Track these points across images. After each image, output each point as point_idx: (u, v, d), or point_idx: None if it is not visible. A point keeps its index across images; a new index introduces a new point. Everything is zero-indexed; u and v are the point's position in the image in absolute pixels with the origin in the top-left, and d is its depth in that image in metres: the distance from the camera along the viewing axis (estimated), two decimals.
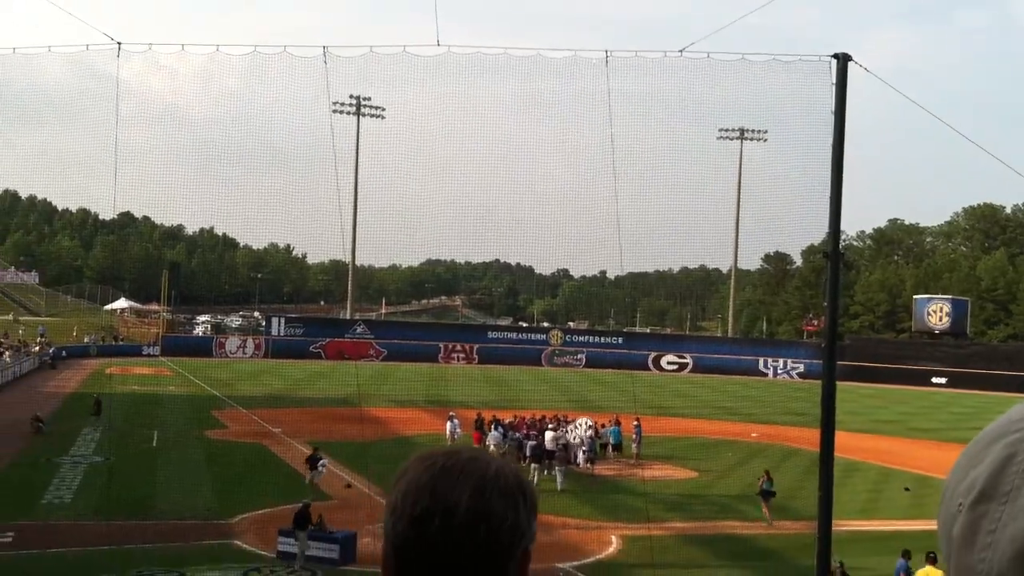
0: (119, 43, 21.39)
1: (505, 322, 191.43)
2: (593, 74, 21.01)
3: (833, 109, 14.60)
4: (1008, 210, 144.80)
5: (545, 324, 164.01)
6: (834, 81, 14.67)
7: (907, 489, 35.07)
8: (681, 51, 17.77)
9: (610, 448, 38.85)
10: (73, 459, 34.50)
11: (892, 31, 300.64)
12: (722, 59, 20.76)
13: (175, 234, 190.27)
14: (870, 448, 42.37)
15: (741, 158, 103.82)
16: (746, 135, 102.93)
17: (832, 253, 14.24)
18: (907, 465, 40.83)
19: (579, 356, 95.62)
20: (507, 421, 38.69)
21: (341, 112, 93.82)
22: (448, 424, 38.68)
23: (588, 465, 36.36)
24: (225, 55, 24.56)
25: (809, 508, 25.84)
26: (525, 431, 36.99)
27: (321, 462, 29.81)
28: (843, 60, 14.52)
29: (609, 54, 19.02)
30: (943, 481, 1.15)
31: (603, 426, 39.52)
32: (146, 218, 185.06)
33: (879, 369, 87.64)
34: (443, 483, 1.49)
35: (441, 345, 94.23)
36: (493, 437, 36.23)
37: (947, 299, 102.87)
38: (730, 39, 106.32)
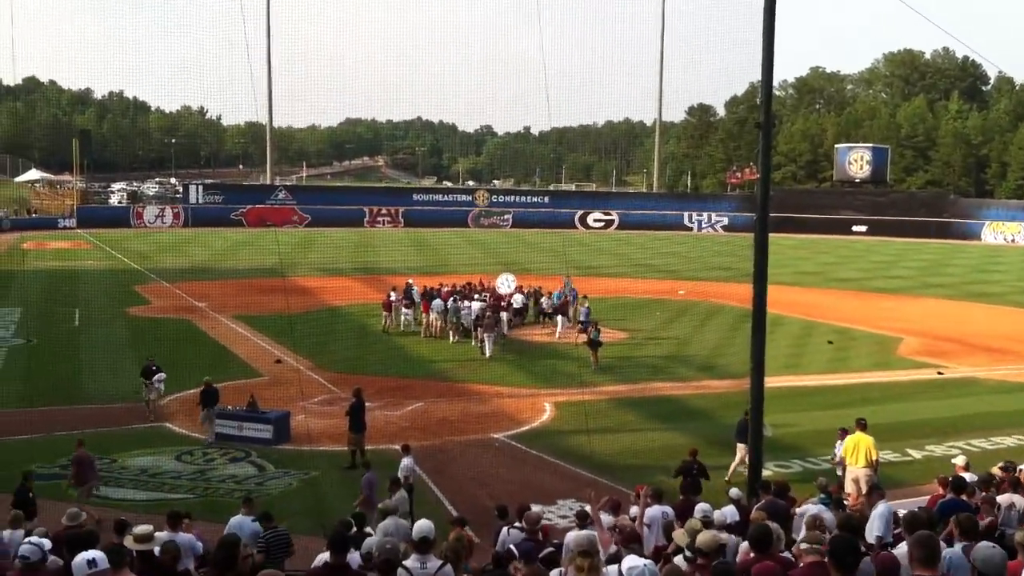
0: None
1: (430, 182, 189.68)
2: None
3: None
4: (928, 56, 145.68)
5: (471, 183, 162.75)
6: None
7: (830, 343, 35.88)
8: None
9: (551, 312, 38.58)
10: None
11: None
12: None
13: (84, 98, 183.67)
14: (794, 301, 43.10)
15: (664, 7, 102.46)
16: None
17: (764, 123, 13.90)
18: (829, 317, 41.71)
19: (506, 217, 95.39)
20: (439, 288, 38.25)
21: None
22: (392, 295, 37.85)
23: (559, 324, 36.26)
24: None
25: (736, 365, 26.29)
26: (456, 298, 36.71)
27: (158, 376, 24.60)
28: None
29: None
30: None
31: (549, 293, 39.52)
32: (52, 82, 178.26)
33: (801, 219, 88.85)
34: None
35: (366, 209, 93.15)
36: (436, 306, 35.92)
37: (867, 147, 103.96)
38: None
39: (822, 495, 13.42)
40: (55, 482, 18.73)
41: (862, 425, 17.70)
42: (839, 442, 18.31)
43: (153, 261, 57.15)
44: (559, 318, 36.98)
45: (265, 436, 21.90)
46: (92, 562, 6.87)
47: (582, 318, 34.64)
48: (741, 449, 18.77)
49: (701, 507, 11.60)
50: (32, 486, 15.65)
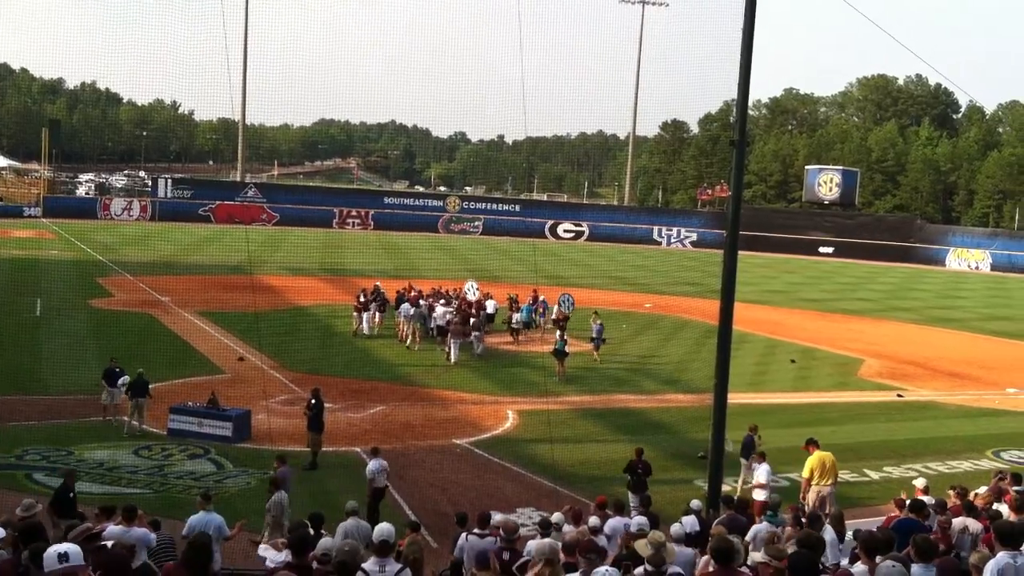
0: None
1: (401, 186, 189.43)
2: None
3: None
4: (900, 81, 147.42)
5: (442, 189, 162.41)
6: None
7: (793, 361, 36.11)
8: None
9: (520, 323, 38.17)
10: None
11: None
12: None
13: (55, 88, 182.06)
14: (759, 319, 43.42)
15: (642, 23, 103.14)
16: (647, 0, 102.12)
17: (739, 142, 13.98)
18: (793, 336, 41.98)
19: (476, 223, 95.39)
20: (407, 292, 38.04)
21: None
22: (363, 297, 37.40)
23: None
24: None
25: (700, 380, 26.43)
26: (426, 304, 36.56)
27: (122, 380, 22.92)
28: None
29: None
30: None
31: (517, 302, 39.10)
32: (24, 70, 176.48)
33: (769, 238, 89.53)
34: None
35: (336, 210, 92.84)
36: (403, 310, 35.62)
37: (837, 170, 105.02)
38: None
39: (768, 512, 13.39)
40: (10, 472, 18.51)
41: (815, 444, 17.75)
42: (755, 465, 18.33)
43: (118, 253, 56.65)
44: (559, 333, 36.02)
45: (225, 433, 21.73)
46: (64, 556, 6.67)
47: (594, 335, 34.29)
48: (745, 466, 19.40)
49: (637, 520, 11.79)
50: (73, 485, 15.20)
